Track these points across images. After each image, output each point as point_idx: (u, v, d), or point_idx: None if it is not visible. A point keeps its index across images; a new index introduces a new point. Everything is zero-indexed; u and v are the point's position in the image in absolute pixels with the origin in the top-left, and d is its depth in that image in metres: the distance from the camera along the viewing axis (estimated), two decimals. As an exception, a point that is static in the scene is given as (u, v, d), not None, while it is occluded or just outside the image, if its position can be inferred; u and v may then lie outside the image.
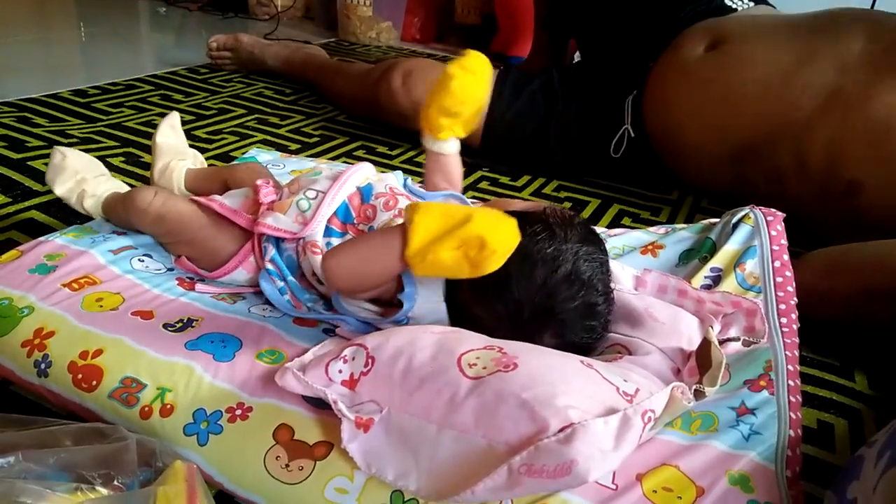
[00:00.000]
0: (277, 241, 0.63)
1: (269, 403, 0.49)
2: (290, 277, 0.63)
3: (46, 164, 0.97)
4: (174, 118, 0.81)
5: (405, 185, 0.68)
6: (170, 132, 0.80)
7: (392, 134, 1.27)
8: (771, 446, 0.49)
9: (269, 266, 0.62)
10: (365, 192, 0.64)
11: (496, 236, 0.48)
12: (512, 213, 0.57)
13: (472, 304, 0.55)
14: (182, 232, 0.65)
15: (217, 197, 0.67)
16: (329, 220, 0.62)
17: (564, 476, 0.40)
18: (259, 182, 0.66)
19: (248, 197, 0.67)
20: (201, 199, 0.66)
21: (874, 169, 0.82)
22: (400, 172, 0.70)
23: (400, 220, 0.61)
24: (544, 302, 0.52)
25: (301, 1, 2.45)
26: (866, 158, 0.83)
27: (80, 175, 0.72)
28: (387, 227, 0.59)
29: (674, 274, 0.68)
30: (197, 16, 2.33)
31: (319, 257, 0.61)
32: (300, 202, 0.62)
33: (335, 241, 0.61)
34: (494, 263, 0.49)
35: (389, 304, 0.59)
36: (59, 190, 0.72)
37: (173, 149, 0.79)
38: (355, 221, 0.63)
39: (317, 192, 0.63)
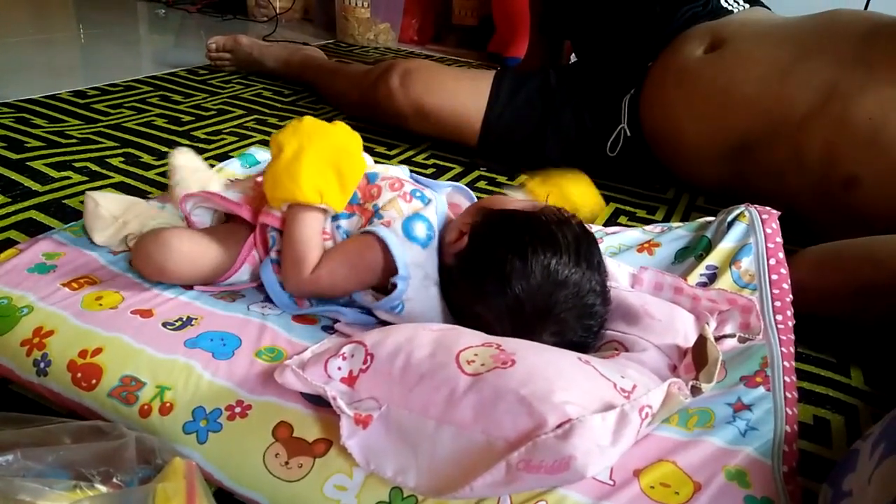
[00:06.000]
0: (282, 233, 0.63)
1: (268, 401, 0.49)
2: None
3: (46, 164, 0.99)
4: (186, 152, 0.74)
5: (411, 177, 0.69)
6: (187, 159, 0.73)
7: (390, 134, 1.27)
8: (767, 442, 0.49)
9: (274, 255, 0.62)
10: (370, 177, 0.66)
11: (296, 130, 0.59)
12: (509, 212, 0.58)
13: (473, 302, 0.55)
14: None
15: (216, 191, 0.67)
16: None
17: (562, 472, 0.40)
18: (260, 179, 0.66)
19: (247, 193, 0.67)
20: (200, 193, 0.66)
21: (871, 164, 0.82)
22: (405, 167, 0.71)
23: (406, 204, 0.62)
24: (544, 301, 0.53)
25: (299, 3, 2.46)
26: (863, 154, 0.83)
27: (121, 220, 0.68)
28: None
29: (670, 272, 0.68)
30: (196, 17, 2.33)
31: (330, 242, 0.62)
32: None
33: (343, 223, 0.62)
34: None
35: (385, 292, 0.59)
36: (98, 238, 0.68)
37: (191, 170, 0.72)
38: (361, 202, 0.64)
39: None
